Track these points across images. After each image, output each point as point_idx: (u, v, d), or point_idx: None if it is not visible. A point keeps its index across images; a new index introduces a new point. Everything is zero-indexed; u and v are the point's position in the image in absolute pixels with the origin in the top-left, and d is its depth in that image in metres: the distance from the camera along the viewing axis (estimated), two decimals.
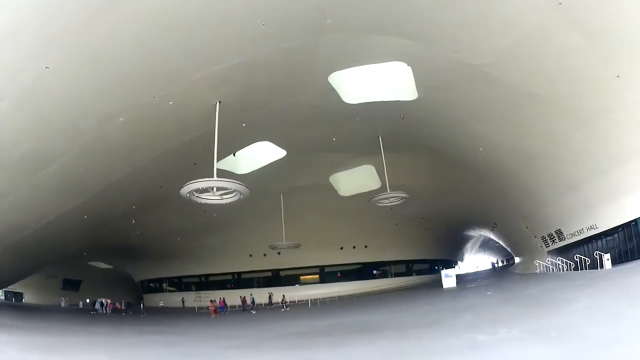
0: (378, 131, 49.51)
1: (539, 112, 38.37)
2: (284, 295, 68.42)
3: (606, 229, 44.34)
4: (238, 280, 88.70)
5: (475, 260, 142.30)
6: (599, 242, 46.48)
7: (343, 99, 40.80)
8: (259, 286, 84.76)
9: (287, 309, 62.51)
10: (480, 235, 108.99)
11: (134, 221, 61.50)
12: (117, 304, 78.25)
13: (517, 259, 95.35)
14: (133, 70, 29.42)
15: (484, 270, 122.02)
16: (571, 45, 29.58)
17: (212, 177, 32.47)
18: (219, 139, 35.87)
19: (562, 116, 37.66)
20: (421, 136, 50.39)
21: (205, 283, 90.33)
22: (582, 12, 27.04)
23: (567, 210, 49.99)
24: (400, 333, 23.25)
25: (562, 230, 53.34)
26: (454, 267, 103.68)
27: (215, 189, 32.11)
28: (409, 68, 36.18)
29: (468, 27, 30.03)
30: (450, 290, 56.83)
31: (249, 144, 50.10)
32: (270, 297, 74.68)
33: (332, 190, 66.74)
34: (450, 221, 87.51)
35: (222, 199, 33.56)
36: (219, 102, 35.51)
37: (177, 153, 43.09)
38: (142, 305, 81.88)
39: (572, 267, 50.23)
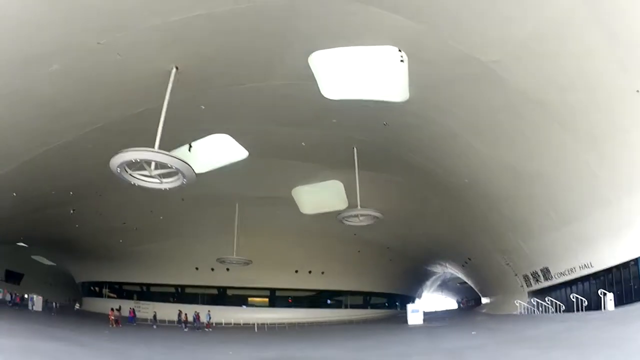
0: (354, 141, 44.05)
1: (543, 125, 33.93)
2: (180, 311, 64.97)
3: (602, 268, 39.72)
4: (181, 295, 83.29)
5: (433, 299, 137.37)
6: (590, 283, 42.32)
7: (321, 91, 34.56)
8: (203, 303, 78.46)
9: (186, 329, 58.82)
10: (443, 272, 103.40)
11: (72, 211, 56.43)
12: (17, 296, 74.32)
13: (484, 300, 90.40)
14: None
15: (447, 310, 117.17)
16: (592, 46, 25.97)
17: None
18: (172, 119, 29.71)
19: (569, 132, 33.34)
20: (402, 151, 45.20)
21: (147, 293, 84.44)
22: (610, 8, 23.56)
23: (558, 246, 44.50)
24: None
25: (550, 268, 47.98)
26: (412, 304, 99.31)
27: (153, 165, 25.31)
28: (404, 58, 30.62)
29: (479, 10, 25.32)
30: (417, 327, 51.51)
31: (205, 135, 43.03)
32: (180, 315, 66.96)
33: (293, 206, 60.05)
34: (417, 253, 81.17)
35: (161, 182, 26.70)
36: (175, 69, 29.33)
37: (119, 129, 36.14)
38: (76, 306, 79.68)
39: (561, 309, 45.33)
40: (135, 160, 24.27)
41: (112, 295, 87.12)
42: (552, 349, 20.97)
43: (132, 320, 63.51)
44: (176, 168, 24.33)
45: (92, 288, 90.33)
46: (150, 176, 26.44)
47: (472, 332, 36.98)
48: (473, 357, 22.34)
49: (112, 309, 59.64)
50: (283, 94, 35.65)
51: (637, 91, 27.38)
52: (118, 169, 25.04)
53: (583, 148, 33.69)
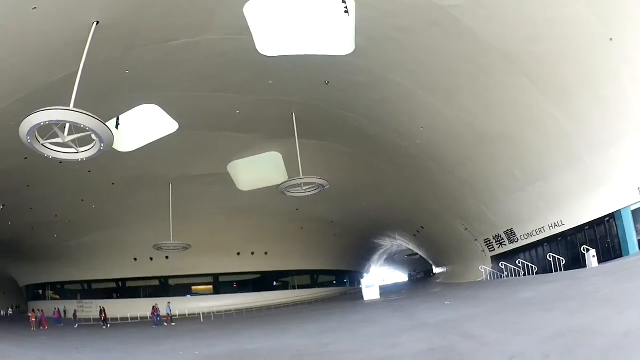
0: (293, 105, 40.40)
1: (508, 80, 32.04)
2: (101, 308, 58.80)
3: (575, 225, 39.09)
4: (123, 289, 78.39)
5: (381, 274, 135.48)
6: (561, 242, 41.52)
7: (257, 47, 31.26)
8: (145, 296, 75.11)
9: (108, 326, 54.30)
10: (392, 245, 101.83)
11: (2, 206, 51.36)
12: None
13: (438, 270, 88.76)
14: None
15: (398, 283, 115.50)
16: None
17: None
18: (94, 85, 27.47)
19: (537, 87, 31.69)
20: (348, 114, 41.73)
21: (89, 291, 79.07)
22: None
23: (523, 206, 42.70)
24: None
25: (515, 230, 45.99)
26: (361, 279, 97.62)
27: (67, 130, 21.39)
28: (349, 7, 27.66)
29: None
30: (376, 302, 48.94)
31: (131, 107, 39.02)
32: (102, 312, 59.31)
33: (230, 183, 56.83)
34: (363, 226, 78.65)
35: (77, 151, 22.75)
36: (96, 23, 24.88)
37: (42, 99, 28.66)
38: (9, 311, 76.67)
39: (534, 271, 43.39)
40: (46, 123, 20.33)
41: (55, 296, 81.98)
42: (572, 309, 18.74)
43: (57, 321, 60.12)
44: (90, 129, 20.43)
45: (36, 291, 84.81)
46: (65, 145, 22.42)
47: (446, 302, 33.96)
48: (477, 329, 19.07)
49: (32, 311, 57.16)
50: (219, 50, 31.76)
51: (611, 39, 26.46)
52: (28, 137, 21.05)
53: (552, 103, 32.09)
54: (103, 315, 56.52)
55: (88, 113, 20.24)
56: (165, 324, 53.10)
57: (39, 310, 56.88)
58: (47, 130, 21.79)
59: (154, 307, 54.15)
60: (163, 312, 55.70)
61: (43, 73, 29.07)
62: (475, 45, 29.33)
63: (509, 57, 29.79)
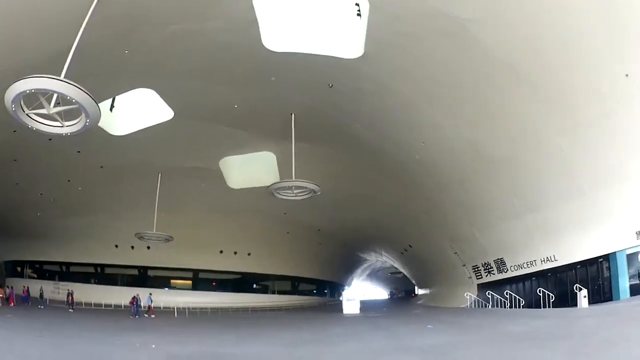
0: (293, 105, 39.49)
1: (515, 98, 31.13)
2: (70, 291, 57.44)
3: (567, 262, 37.59)
4: (101, 275, 76.69)
5: (362, 289, 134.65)
6: (552, 278, 39.92)
7: (263, 42, 30.41)
8: (122, 284, 73.69)
9: (72, 310, 52.93)
10: (376, 261, 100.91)
11: None
12: None
13: (421, 291, 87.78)
14: None
15: (379, 300, 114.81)
16: (581, 11, 23.99)
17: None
18: (90, 62, 26.79)
19: (544, 111, 30.78)
20: (348, 120, 40.68)
21: (67, 273, 76.79)
22: None
23: (517, 236, 41.59)
24: None
25: (505, 259, 44.79)
26: (342, 292, 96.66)
27: (53, 101, 20.29)
28: (362, 9, 26.93)
29: None
30: (356, 317, 48.52)
31: (127, 90, 38.02)
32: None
33: (220, 179, 55.80)
34: (350, 238, 78.05)
35: (62, 125, 21.62)
36: None
37: (30, 73, 29.57)
38: None
39: (520, 304, 42.00)
40: (32, 91, 19.25)
41: (33, 275, 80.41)
42: (571, 349, 17.63)
43: (25, 299, 58.14)
44: (77, 102, 19.32)
45: (17, 268, 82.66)
46: (50, 117, 21.30)
47: (428, 326, 32.52)
48: (467, 357, 18.41)
49: (0, 286, 56.93)
50: (221, 41, 30.90)
51: (626, 75, 25.74)
52: (13, 105, 19.95)
53: (558, 130, 31.09)
54: (70, 298, 55.59)
55: (76, 85, 19.13)
56: (147, 315, 51.77)
57: (7, 287, 57.02)
58: (34, 101, 20.65)
59: (134, 296, 52.58)
60: (144, 302, 54.40)
61: (39, 43, 27.81)
62: (482, 59, 28.58)
63: (517, 74, 29.02)
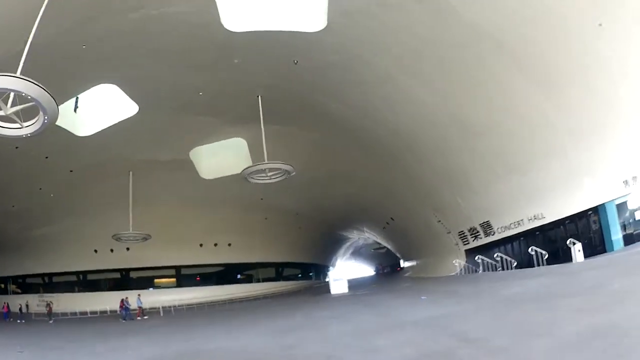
0: (259, 87, 38.43)
1: (496, 67, 31.26)
2: (49, 303, 58.12)
3: (556, 218, 37.66)
4: (84, 282, 75.24)
5: (347, 268, 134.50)
6: (541, 236, 39.78)
7: (222, 21, 29.45)
8: (107, 289, 72.35)
9: (51, 321, 52.31)
10: (358, 238, 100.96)
11: None
12: None
13: (406, 264, 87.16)
14: None
15: (366, 277, 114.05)
16: None
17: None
18: (48, 61, 26.44)
19: (525, 75, 30.92)
20: (318, 98, 40.01)
21: (50, 284, 75.20)
22: None
23: (502, 198, 41.65)
24: None
25: (492, 222, 44.31)
26: (327, 273, 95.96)
27: (10, 102, 19.11)
28: None
29: None
30: (344, 297, 47.22)
31: (89, 87, 37.06)
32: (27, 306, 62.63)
33: (192, 170, 55.06)
34: (330, 218, 77.51)
35: (22, 126, 20.42)
36: None
37: None
38: None
39: (512, 265, 41.68)
40: None
41: (17, 290, 78.68)
42: (581, 306, 16.41)
43: (6, 316, 57.47)
44: (33, 98, 18.17)
45: None
46: (7, 119, 20.11)
47: (422, 297, 32.06)
48: (472, 330, 16.43)
49: None
50: (180, 27, 29.98)
51: (600, 25, 25.76)
52: None
53: (539, 92, 31.42)
54: (49, 309, 55.46)
55: (33, 81, 18.02)
56: (139, 317, 50.53)
57: None
58: None
59: (122, 300, 51.42)
60: (133, 305, 53.08)
61: None
62: (463, 28, 28.19)
63: (499, 43, 28.91)
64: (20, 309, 58.92)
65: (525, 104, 32.11)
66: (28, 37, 20.82)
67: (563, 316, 15.53)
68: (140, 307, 53.43)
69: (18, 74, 19.16)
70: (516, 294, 24.78)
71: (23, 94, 18.07)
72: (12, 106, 19.34)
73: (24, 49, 20.31)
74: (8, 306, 59.09)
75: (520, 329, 15.09)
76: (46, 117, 19.41)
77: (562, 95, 30.44)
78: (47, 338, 33.95)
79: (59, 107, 19.53)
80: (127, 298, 51.45)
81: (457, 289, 35.57)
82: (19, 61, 19.81)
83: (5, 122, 20.23)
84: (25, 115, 20.00)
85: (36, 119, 20.04)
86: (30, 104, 18.68)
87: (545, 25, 26.49)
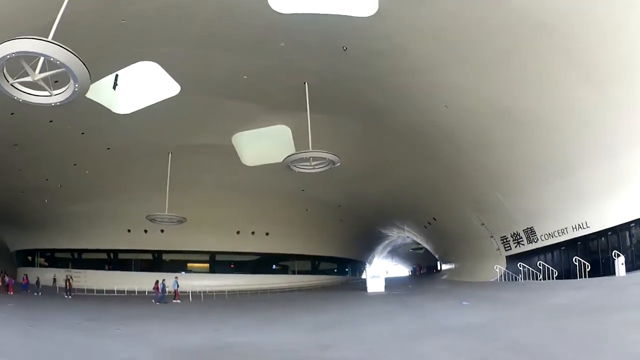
0: (306, 74, 36.87)
1: (545, 58, 29.04)
2: (69, 278, 57.62)
3: (600, 229, 35.68)
4: (114, 261, 75.87)
5: (383, 266, 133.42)
6: (582, 246, 38.06)
7: (269, 3, 28.00)
8: (137, 269, 73.32)
9: (70, 296, 53.06)
10: (397, 237, 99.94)
11: None
12: None
13: (444, 266, 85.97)
14: None
15: (401, 277, 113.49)
16: None
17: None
18: (85, 35, 25.71)
19: (575, 68, 28.91)
20: (365, 87, 38.20)
21: (79, 260, 75.88)
22: None
23: (547, 202, 39.70)
24: None
25: (535, 228, 42.81)
26: (363, 270, 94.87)
27: (39, 67, 18.10)
28: None
29: None
30: (381, 296, 46.50)
31: (129, 63, 36.02)
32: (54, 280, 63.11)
33: (232, 155, 53.11)
34: (371, 213, 75.59)
35: (51, 94, 19.42)
36: None
37: None
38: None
39: (553, 275, 39.85)
40: (13, 56, 17.02)
41: (45, 264, 79.45)
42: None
43: (25, 287, 58.30)
44: (62, 63, 17.11)
45: (28, 257, 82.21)
46: (37, 87, 19.14)
47: (463, 303, 30.43)
48: (526, 339, 15.44)
49: None
50: (221, 6, 28.76)
51: None
52: None
53: (595, 88, 29.39)
54: (68, 284, 55.40)
55: (62, 45, 17.01)
56: (175, 300, 50.12)
57: (6, 275, 56.78)
58: (18, 70, 18.54)
59: (157, 281, 50.74)
60: (170, 287, 52.50)
61: (28, 16, 25.35)
62: (515, 15, 26.52)
63: (548, 32, 27.10)
64: (38, 282, 59.13)
65: (574, 98, 30.65)
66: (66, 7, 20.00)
67: (618, 330, 14.58)
68: (176, 290, 52.93)
69: (50, 37, 18.26)
70: (560, 304, 23.60)
71: (52, 59, 17.08)
72: (40, 72, 18.41)
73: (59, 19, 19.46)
74: (27, 277, 60.25)
75: (579, 341, 14.03)
76: (76, 85, 18.42)
77: (614, 93, 28.90)
78: (64, 314, 33.55)
79: (91, 75, 18.45)
80: (164, 280, 50.66)
81: (498, 295, 34.59)
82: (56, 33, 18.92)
83: (34, 89, 19.35)
84: (54, 85, 19.10)
85: (66, 87, 19.07)
86: (60, 69, 17.68)
87: (601, 18, 25.17)
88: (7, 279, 54.66)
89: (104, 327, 26.34)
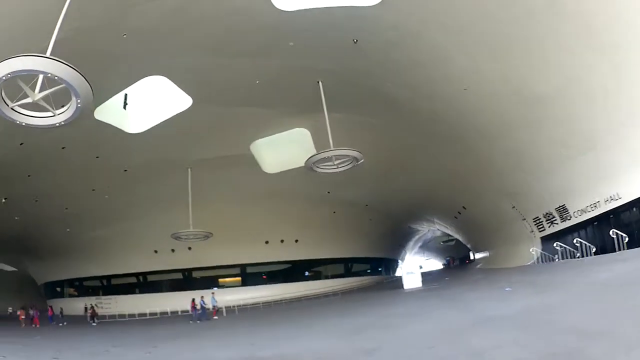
0: (318, 72, 36.28)
1: (564, 36, 28.43)
2: (92, 305, 59.76)
3: (632, 198, 34.06)
4: (144, 284, 75.27)
5: (416, 262, 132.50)
6: (615, 218, 36.51)
7: (273, 1, 27.51)
8: (168, 290, 72.70)
9: (95, 323, 53.69)
10: (428, 230, 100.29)
11: (3, 200, 48.59)
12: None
13: (478, 255, 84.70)
14: None
15: (435, 270, 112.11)
16: None
17: None
18: (88, 56, 24.38)
19: (589, 41, 28.13)
20: (379, 81, 37.56)
21: (109, 287, 76.30)
22: None
23: (576, 179, 38.42)
24: None
25: (567, 205, 41.74)
26: (396, 268, 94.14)
27: (38, 86, 17.24)
28: None
29: None
30: (419, 292, 45.73)
31: (134, 80, 35.45)
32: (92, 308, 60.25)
33: (252, 164, 52.78)
34: (400, 209, 75.10)
35: (54, 114, 18.54)
36: None
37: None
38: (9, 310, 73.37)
39: (591, 251, 38.32)
40: (8, 77, 16.17)
41: (74, 293, 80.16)
42: None
43: (51, 319, 57.18)
44: (60, 78, 16.20)
45: (57, 289, 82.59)
46: (39, 109, 18.28)
47: (506, 289, 29.78)
48: (589, 322, 13.97)
49: (22, 309, 56.47)
50: (226, 9, 28.18)
51: None
52: None
53: (613, 56, 28.22)
54: (91, 312, 55.99)
55: (60, 60, 16.26)
56: (215, 317, 49.85)
57: (31, 308, 56.36)
58: (17, 92, 17.94)
59: (193, 300, 50.33)
60: (208, 304, 51.66)
61: (24, 40, 24.95)
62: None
63: (561, 11, 26.53)
64: (61, 312, 59.88)
65: (593, 70, 29.61)
66: (65, 24, 19.27)
67: None
68: (214, 307, 52.49)
69: (49, 52, 17.53)
70: (611, 278, 22.24)
71: (49, 75, 16.23)
72: (40, 92, 17.57)
73: (59, 41, 18.69)
74: (52, 309, 59.65)
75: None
76: (79, 101, 17.55)
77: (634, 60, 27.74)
78: (91, 342, 33.04)
79: (92, 88, 17.60)
80: (202, 297, 49.93)
81: (540, 278, 33.02)
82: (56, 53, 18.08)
83: (35, 111, 18.49)
84: (56, 104, 18.61)
85: (69, 105, 18.20)
86: (60, 86, 16.82)
87: None
88: (32, 312, 54.27)
89: (132, 352, 25.98)
